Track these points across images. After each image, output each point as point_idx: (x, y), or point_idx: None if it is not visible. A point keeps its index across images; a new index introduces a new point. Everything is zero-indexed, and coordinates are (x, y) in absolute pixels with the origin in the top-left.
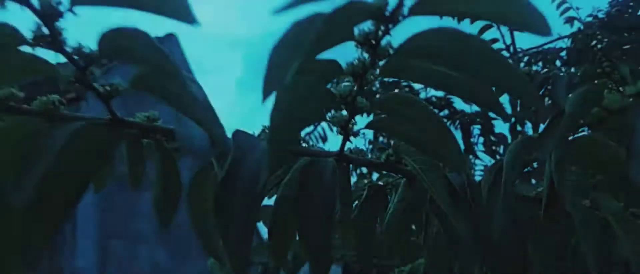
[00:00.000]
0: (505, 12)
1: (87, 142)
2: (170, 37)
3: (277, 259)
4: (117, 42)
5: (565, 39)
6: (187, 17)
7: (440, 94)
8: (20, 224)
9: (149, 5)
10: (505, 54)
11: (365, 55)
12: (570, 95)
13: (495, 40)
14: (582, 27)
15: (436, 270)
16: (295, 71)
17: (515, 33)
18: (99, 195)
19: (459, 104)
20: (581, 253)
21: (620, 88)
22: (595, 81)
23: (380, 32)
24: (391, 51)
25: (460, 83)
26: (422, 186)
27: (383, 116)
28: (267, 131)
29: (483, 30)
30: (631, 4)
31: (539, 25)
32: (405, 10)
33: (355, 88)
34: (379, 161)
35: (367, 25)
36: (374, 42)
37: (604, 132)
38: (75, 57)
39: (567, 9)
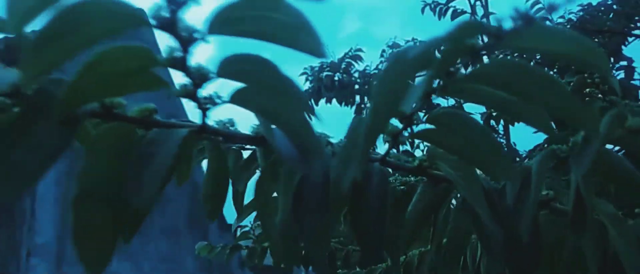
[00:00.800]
0: (573, 51)
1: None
2: None
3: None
4: (239, 66)
5: None
6: (319, 51)
7: None
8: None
9: (284, 40)
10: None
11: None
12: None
13: None
14: None
15: (448, 264)
16: (419, 98)
17: None
18: (60, 171)
19: (436, 98)
20: (571, 249)
21: (608, 98)
22: (586, 90)
23: (459, 64)
24: (461, 77)
25: (516, 106)
26: (443, 189)
27: (432, 127)
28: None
29: None
30: (602, 8)
31: (601, 64)
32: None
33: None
34: (412, 166)
35: None
36: (452, 70)
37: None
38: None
39: (540, 10)
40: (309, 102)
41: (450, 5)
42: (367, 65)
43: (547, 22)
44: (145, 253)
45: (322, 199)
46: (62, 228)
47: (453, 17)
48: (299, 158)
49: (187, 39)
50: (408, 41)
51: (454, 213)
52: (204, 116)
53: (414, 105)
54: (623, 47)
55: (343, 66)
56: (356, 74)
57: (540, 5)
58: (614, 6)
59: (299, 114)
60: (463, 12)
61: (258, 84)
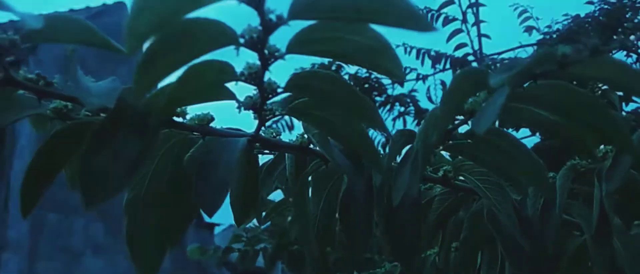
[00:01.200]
0: (624, 79)
1: None
2: (120, 6)
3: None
4: (307, 81)
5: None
6: (398, 74)
7: (405, 90)
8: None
9: (362, 61)
10: (472, 58)
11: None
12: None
13: (464, 45)
14: (540, 37)
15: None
16: (499, 111)
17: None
18: None
19: (424, 102)
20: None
21: None
22: None
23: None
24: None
25: (556, 126)
26: (459, 198)
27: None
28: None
29: (453, 35)
30: (588, 19)
31: None
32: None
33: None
34: (437, 176)
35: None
36: None
37: None
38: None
39: (528, 18)
40: (382, 118)
41: (441, 12)
42: (359, 68)
43: (535, 31)
44: (119, 249)
45: (368, 207)
46: (36, 223)
47: (444, 24)
48: (353, 168)
49: (268, 58)
50: (398, 46)
51: (467, 221)
52: (262, 125)
53: (491, 122)
54: None
55: (333, 68)
56: (346, 76)
57: (528, 15)
58: (600, 18)
59: (360, 128)
60: (454, 19)
61: (324, 98)
